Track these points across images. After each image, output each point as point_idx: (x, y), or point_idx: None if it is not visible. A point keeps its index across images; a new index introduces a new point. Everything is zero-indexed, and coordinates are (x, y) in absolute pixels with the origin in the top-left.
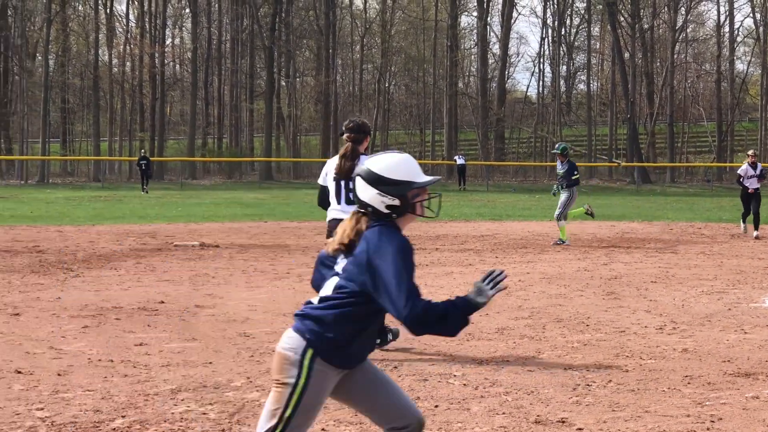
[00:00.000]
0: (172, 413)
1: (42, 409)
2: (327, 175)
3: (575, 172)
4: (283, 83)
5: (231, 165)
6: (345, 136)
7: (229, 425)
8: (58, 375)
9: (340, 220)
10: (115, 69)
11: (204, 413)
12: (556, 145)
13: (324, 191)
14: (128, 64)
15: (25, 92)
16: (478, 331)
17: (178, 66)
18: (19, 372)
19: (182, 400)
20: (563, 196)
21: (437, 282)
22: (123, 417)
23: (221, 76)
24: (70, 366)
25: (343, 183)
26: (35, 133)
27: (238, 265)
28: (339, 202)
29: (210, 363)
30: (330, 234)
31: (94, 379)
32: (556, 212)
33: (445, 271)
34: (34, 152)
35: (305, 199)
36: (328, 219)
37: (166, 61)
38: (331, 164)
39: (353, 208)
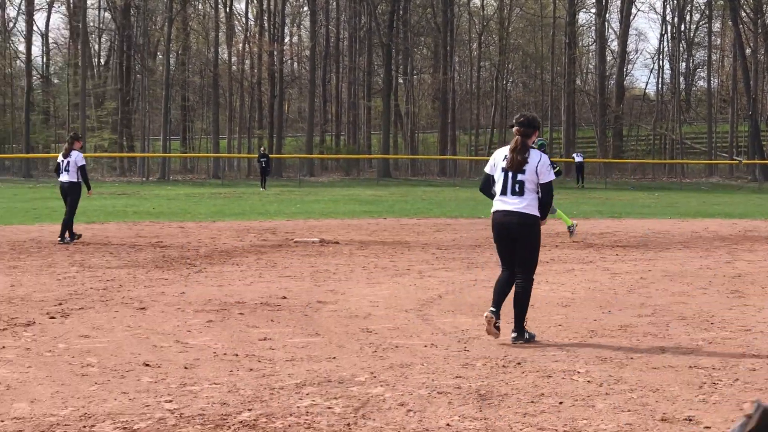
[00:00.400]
0: (298, 407)
1: (171, 401)
2: (495, 165)
3: (555, 166)
4: (401, 80)
5: (349, 162)
6: (515, 129)
7: (354, 419)
8: (185, 368)
9: (506, 211)
10: (235, 67)
11: (329, 407)
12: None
13: (488, 179)
14: (247, 62)
15: (146, 90)
16: (601, 329)
17: (296, 64)
18: (147, 365)
19: (307, 394)
20: None
21: (558, 279)
22: (249, 410)
23: (339, 74)
24: (196, 359)
25: (510, 174)
26: (156, 131)
27: (358, 262)
28: (505, 193)
29: (334, 358)
30: (494, 225)
31: (220, 373)
32: None
33: (566, 268)
34: (155, 150)
35: (423, 196)
36: (493, 210)
37: (284, 59)
38: (499, 154)
39: (518, 199)
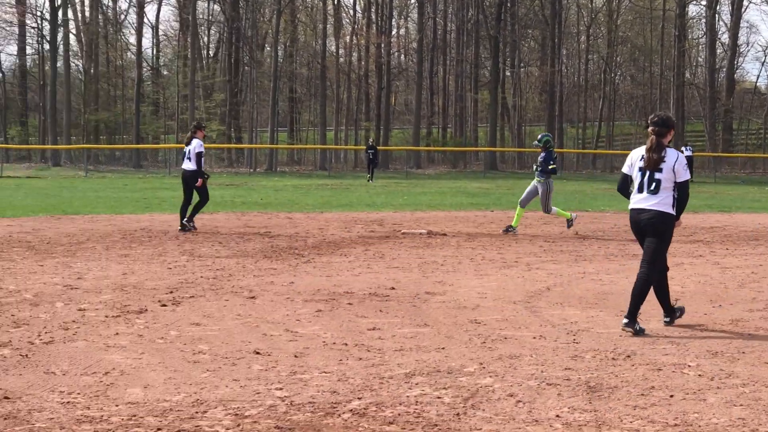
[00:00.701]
0: (407, 396)
1: (281, 389)
2: (632, 165)
3: (552, 162)
4: (508, 73)
5: (455, 155)
6: (650, 129)
7: (463, 409)
8: (295, 356)
9: (641, 209)
10: (342, 59)
11: (438, 397)
12: (539, 136)
13: (626, 179)
14: (354, 54)
15: (254, 82)
16: (712, 323)
17: (403, 56)
18: (258, 353)
19: (416, 383)
20: (540, 189)
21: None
22: (359, 399)
23: (446, 66)
24: (306, 348)
25: (647, 173)
26: (264, 123)
27: (465, 253)
28: (641, 191)
29: (442, 348)
30: (631, 222)
31: (330, 362)
32: (543, 209)
33: (676, 262)
34: (263, 141)
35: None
36: (630, 207)
37: (392, 51)
38: (636, 154)
39: (653, 197)
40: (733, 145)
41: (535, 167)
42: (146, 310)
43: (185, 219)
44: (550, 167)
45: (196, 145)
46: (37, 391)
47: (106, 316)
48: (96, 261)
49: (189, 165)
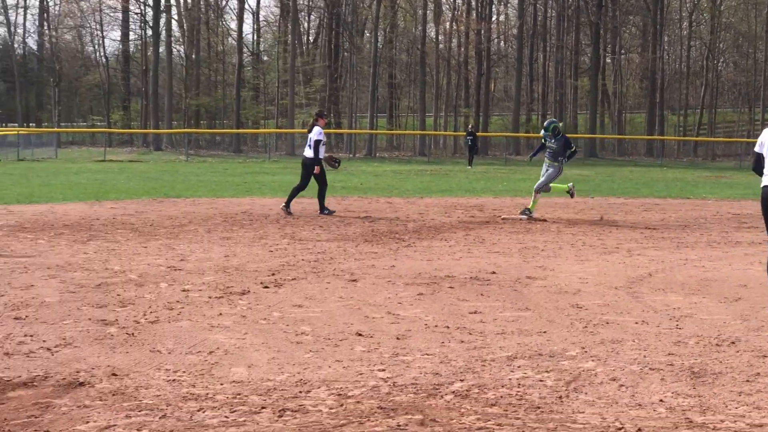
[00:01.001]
0: (509, 379)
1: (383, 370)
2: (762, 145)
3: (572, 146)
4: (608, 60)
5: None
6: None
7: (565, 392)
8: (397, 338)
9: None
10: (442, 45)
11: (540, 380)
12: (545, 123)
13: (758, 158)
14: (454, 40)
15: (354, 68)
16: None
17: (503, 42)
18: (360, 335)
19: (518, 366)
20: (552, 170)
21: None
22: (461, 381)
23: (546, 53)
24: (407, 331)
25: None
26: (363, 108)
27: (566, 239)
28: None
29: (544, 332)
30: (762, 200)
31: (432, 344)
32: (538, 184)
33: None
34: (362, 126)
35: (630, 176)
36: (761, 185)
37: (492, 38)
38: (766, 135)
39: None
40: None
41: (548, 154)
42: (249, 291)
43: (322, 210)
44: (571, 151)
45: (315, 133)
46: (144, 369)
47: (210, 297)
48: (198, 243)
49: (308, 152)
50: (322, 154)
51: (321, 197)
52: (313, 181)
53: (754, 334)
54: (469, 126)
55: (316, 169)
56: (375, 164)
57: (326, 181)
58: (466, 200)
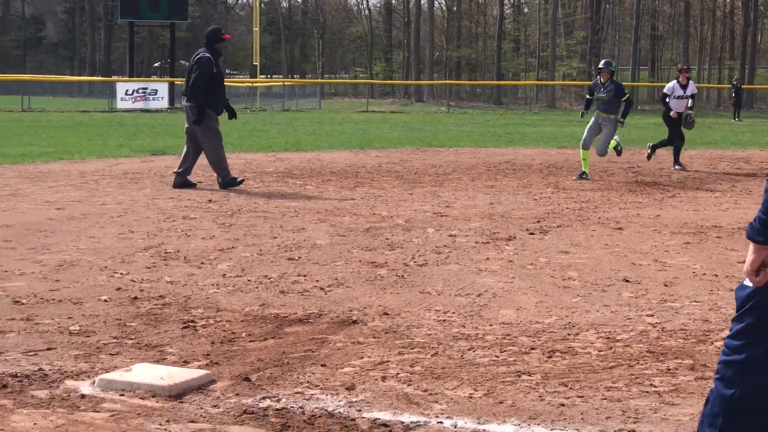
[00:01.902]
0: None
1: (652, 315)
2: None
3: (624, 93)
4: None
5: None
6: None
7: None
8: (665, 285)
9: None
10: None
11: None
12: (602, 62)
13: None
14: None
15: (616, 19)
16: None
17: None
18: (627, 281)
19: None
20: (607, 128)
21: None
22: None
23: None
24: (675, 278)
25: None
26: (625, 61)
27: None
28: None
29: None
30: None
31: (700, 292)
32: (600, 150)
33: None
34: (623, 79)
35: None
36: None
37: None
38: None
39: None
40: None
41: (602, 97)
42: (515, 237)
43: (675, 163)
44: (625, 99)
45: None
46: (414, 309)
47: (476, 242)
48: (463, 191)
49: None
50: (676, 107)
51: (677, 151)
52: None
53: None
54: (734, 79)
55: (673, 113)
56: (637, 117)
57: (679, 136)
58: (732, 153)
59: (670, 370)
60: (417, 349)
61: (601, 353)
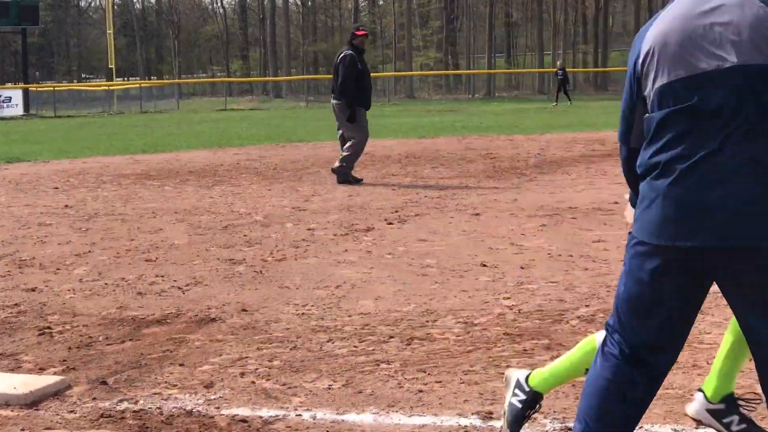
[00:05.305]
0: None
1: (509, 298)
2: None
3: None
4: None
5: None
6: None
7: None
8: (521, 268)
9: None
10: None
11: None
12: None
13: None
14: None
15: (470, 8)
16: None
17: None
18: (485, 265)
19: None
20: None
21: None
22: (587, 306)
23: None
24: (531, 260)
25: None
26: (480, 49)
27: None
28: None
29: None
30: None
31: (556, 272)
32: None
33: None
34: (480, 67)
35: None
36: None
37: None
38: None
39: None
40: None
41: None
42: (373, 228)
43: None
44: None
45: None
46: (273, 304)
47: (335, 235)
48: (321, 185)
49: None
50: None
51: None
52: None
53: None
54: (559, 62)
55: None
56: (495, 104)
57: None
58: (587, 135)
59: (526, 350)
60: (276, 343)
61: (459, 338)
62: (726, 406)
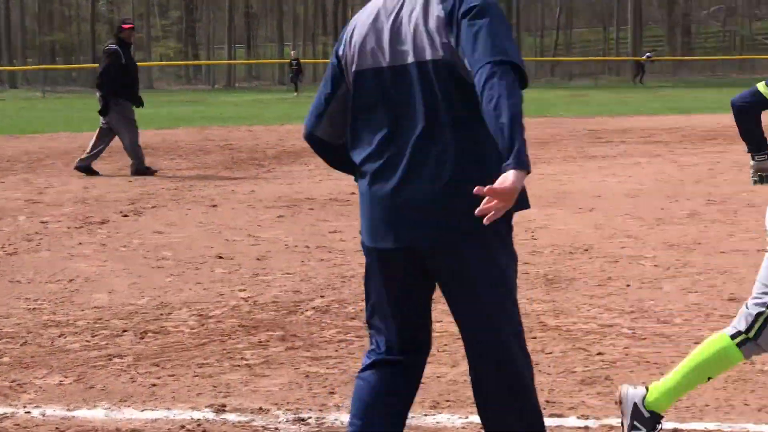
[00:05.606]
0: None
1: (244, 290)
2: None
3: None
4: None
5: None
6: None
7: None
8: (258, 260)
9: None
10: None
11: None
12: None
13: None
14: None
15: None
16: (669, 217)
17: None
18: (221, 257)
19: None
20: None
21: (626, 171)
22: (322, 297)
23: None
24: (268, 252)
25: None
26: (221, 39)
27: None
28: None
29: None
30: None
31: (292, 264)
32: None
33: (634, 162)
34: (220, 58)
35: None
36: None
37: None
38: None
39: None
40: (692, 49)
41: None
42: (108, 221)
43: None
44: None
45: None
46: (3, 299)
47: (69, 228)
48: (57, 177)
49: None
50: None
51: None
52: None
53: (607, 242)
54: (293, 52)
55: None
56: (235, 94)
57: None
58: None
59: (261, 342)
60: (5, 339)
61: (194, 331)
62: (648, 419)
